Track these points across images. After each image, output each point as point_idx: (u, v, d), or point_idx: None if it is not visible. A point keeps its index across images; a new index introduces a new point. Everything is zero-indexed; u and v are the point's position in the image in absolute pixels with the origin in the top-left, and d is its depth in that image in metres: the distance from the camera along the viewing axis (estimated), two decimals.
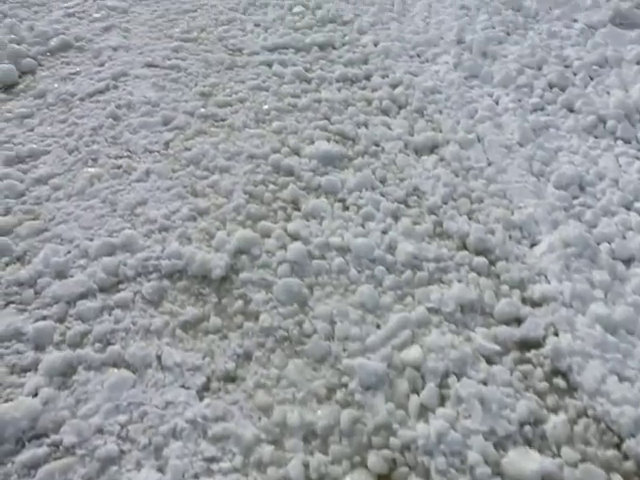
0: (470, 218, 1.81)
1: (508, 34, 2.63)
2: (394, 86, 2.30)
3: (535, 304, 1.60)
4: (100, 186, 1.96)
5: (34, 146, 2.16)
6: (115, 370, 1.48)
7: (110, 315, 1.59)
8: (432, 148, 2.05)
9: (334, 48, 2.54)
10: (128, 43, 2.69)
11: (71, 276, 1.69)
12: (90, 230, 1.82)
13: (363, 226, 1.77)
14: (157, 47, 2.63)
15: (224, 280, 1.66)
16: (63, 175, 2.03)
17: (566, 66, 2.46)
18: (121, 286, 1.67)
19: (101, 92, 2.40)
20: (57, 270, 1.71)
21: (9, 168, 2.07)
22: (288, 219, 1.80)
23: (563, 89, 2.31)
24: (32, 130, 2.25)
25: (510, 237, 1.76)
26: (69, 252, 1.76)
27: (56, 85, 2.48)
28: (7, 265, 1.74)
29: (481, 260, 1.69)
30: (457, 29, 2.59)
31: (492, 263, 1.70)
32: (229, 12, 2.85)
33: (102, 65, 2.56)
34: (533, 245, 1.74)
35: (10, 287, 1.68)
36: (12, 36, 2.83)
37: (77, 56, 2.67)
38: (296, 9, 2.83)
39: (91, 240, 1.78)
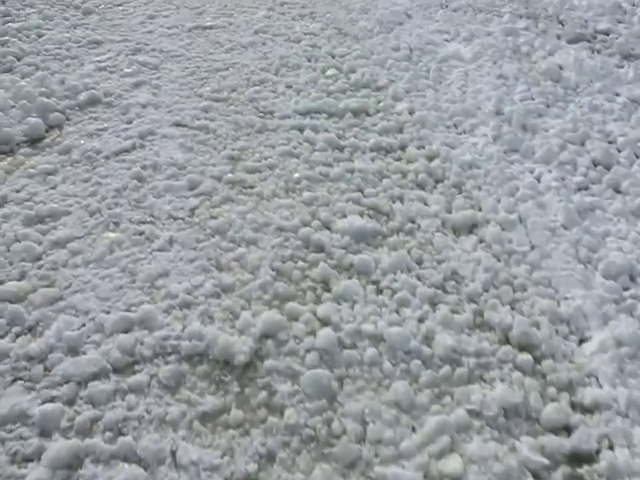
0: (513, 308, 1.70)
1: (548, 106, 2.58)
2: (430, 158, 2.23)
3: (586, 411, 1.48)
4: (120, 253, 1.89)
5: (55, 205, 2.11)
6: (125, 465, 1.38)
7: (123, 400, 1.49)
8: (471, 228, 1.96)
9: (368, 115, 2.49)
10: (157, 100, 2.67)
11: (84, 353, 1.61)
12: (107, 302, 1.74)
13: (398, 313, 1.67)
14: (186, 106, 2.60)
15: (248, 367, 1.56)
16: (83, 239, 1.96)
17: (610, 142, 2.39)
18: (137, 367, 1.57)
19: (127, 151, 2.36)
20: (70, 345, 1.62)
21: (28, 228, 2.02)
22: (318, 301, 1.71)
23: (608, 167, 2.23)
24: (54, 188, 2.21)
25: (557, 332, 1.64)
26: (83, 325, 1.68)
27: (82, 141, 2.45)
28: (17, 336, 1.66)
29: (526, 357, 1.57)
30: (495, 99, 2.54)
31: (537, 361, 1.58)
32: (261, 72, 2.83)
33: (130, 122, 2.54)
34: (582, 342, 1.63)
35: (19, 361, 1.60)
36: (42, 89, 2.84)
37: (105, 112, 2.65)
38: (329, 72, 2.80)
39: (108, 313, 1.70)
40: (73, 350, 1.61)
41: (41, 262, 1.89)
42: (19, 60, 3.23)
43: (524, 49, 3.07)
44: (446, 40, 3.16)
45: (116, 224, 2.01)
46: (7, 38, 3.50)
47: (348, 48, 3.04)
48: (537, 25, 3.39)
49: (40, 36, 3.53)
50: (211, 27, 3.43)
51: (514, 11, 3.55)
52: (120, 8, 3.91)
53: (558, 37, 3.26)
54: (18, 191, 2.21)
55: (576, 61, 2.91)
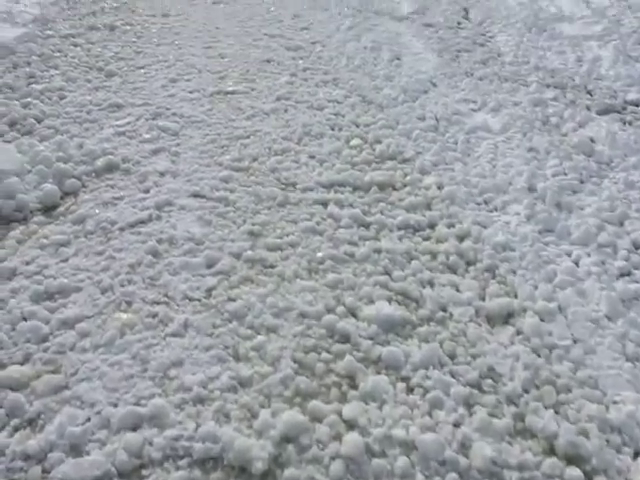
0: (557, 412, 1.57)
1: (582, 182, 2.49)
2: (461, 238, 2.14)
3: None
4: (132, 337, 1.79)
5: (65, 281, 2.03)
6: None
7: None
8: (507, 317, 1.84)
9: (394, 189, 2.41)
10: (176, 169, 2.62)
11: (87, 453, 1.49)
12: (115, 393, 1.63)
13: (430, 415, 1.54)
14: (206, 175, 2.55)
15: (266, 476, 1.42)
16: (92, 319, 1.87)
17: None
18: (144, 472, 1.45)
19: (143, 222, 2.30)
20: (72, 443, 1.51)
21: (36, 305, 1.94)
22: (343, 399, 1.58)
23: None
24: (66, 261, 2.14)
25: (608, 442, 1.50)
26: (88, 420, 1.56)
27: (97, 211, 2.39)
28: (16, 430, 1.55)
29: (575, 473, 1.43)
30: (527, 174, 2.46)
31: (588, 477, 1.43)
32: (283, 141, 2.79)
33: (147, 192, 2.48)
34: (638, 455, 1.48)
35: (15, 460, 1.48)
36: (60, 154, 2.81)
37: (122, 179, 2.60)
38: (353, 142, 2.75)
39: (115, 406, 1.59)
40: (75, 449, 1.49)
41: (47, 344, 1.80)
42: (39, 123, 3.23)
43: (553, 120, 3.01)
44: (473, 110, 3.12)
45: (129, 303, 1.92)
46: (29, 100, 3.53)
47: (372, 117, 3.00)
48: (565, 95, 3.35)
49: (62, 98, 3.55)
50: (233, 92, 3.42)
51: (541, 80, 3.52)
52: (142, 71, 3.95)
53: (587, 108, 3.20)
54: (28, 263, 2.14)
55: (608, 134, 2.84)
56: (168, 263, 2.07)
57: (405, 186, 2.43)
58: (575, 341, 1.76)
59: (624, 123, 3.07)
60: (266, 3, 5.78)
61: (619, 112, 3.20)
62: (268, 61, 3.95)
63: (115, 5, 6.08)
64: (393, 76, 3.53)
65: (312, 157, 2.64)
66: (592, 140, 2.84)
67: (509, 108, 3.12)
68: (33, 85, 3.75)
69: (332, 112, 3.07)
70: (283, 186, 2.45)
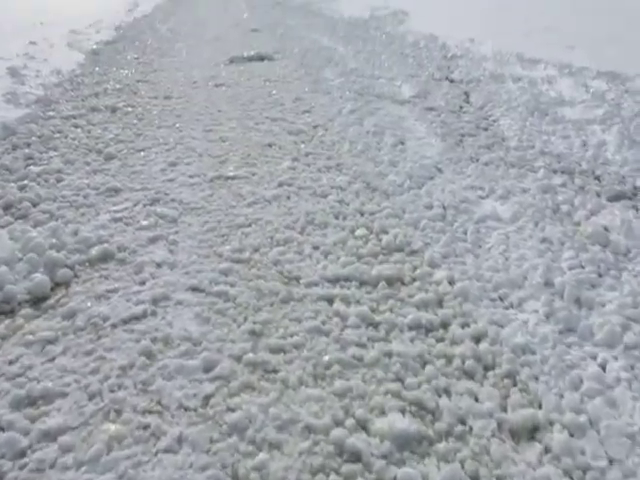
0: None
1: (600, 275, 2.39)
2: (477, 339, 2.02)
3: None
4: (119, 454, 1.64)
5: (50, 384, 1.90)
6: None
7: None
8: (532, 431, 1.69)
9: (403, 284, 2.31)
10: (173, 259, 2.53)
11: None
12: None
13: None
14: (205, 267, 2.45)
15: None
16: (77, 430, 1.73)
17: None
18: None
19: (137, 318, 2.18)
20: None
21: (16, 413, 1.80)
22: None
23: None
24: (52, 360, 2.02)
25: None
26: None
27: (89, 304, 2.29)
28: None
29: None
30: (542, 268, 2.37)
31: None
32: (285, 230, 2.72)
33: (143, 284, 2.38)
34: None
35: None
36: (53, 240, 2.73)
37: (117, 269, 2.51)
38: (359, 232, 2.67)
39: None
40: None
41: (25, 460, 1.64)
42: (35, 206, 3.17)
43: (564, 208, 2.95)
44: (481, 197, 3.07)
45: (118, 412, 1.78)
46: (26, 182, 3.49)
47: (378, 205, 2.94)
48: (573, 181, 3.32)
49: (59, 181, 3.51)
50: (234, 177, 3.39)
51: (547, 166, 3.51)
52: (142, 154, 3.95)
53: (597, 194, 3.16)
54: (12, 362, 2.01)
55: (623, 223, 2.77)
56: (162, 366, 1.94)
57: (414, 281, 2.33)
58: (611, 461, 1.61)
59: (637, 210, 3.01)
60: (267, 86, 5.91)
61: (630, 198, 3.15)
62: (270, 145, 3.96)
63: (118, 87, 6.21)
64: (397, 161, 3.51)
65: (316, 248, 2.56)
66: (606, 229, 2.77)
67: (518, 195, 3.08)
68: (31, 167, 3.73)
69: (336, 199, 3.02)
70: (286, 280, 2.35)
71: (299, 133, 4.21)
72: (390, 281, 2.31)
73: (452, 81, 5.85)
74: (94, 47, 9.28)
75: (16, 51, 8.25)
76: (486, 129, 4.25)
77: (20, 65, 7.20)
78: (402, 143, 3.87)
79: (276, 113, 4.82)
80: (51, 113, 5.12)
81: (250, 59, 7.45)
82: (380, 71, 6.32)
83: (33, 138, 4.36)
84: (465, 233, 2.67)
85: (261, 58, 7.48)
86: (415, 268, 2.40)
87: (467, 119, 4.47)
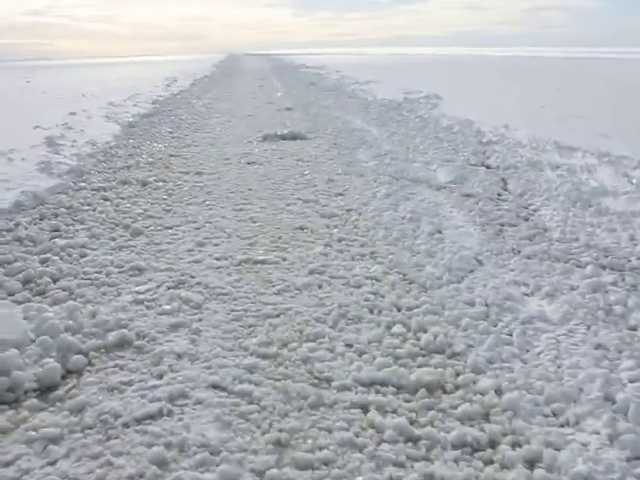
0: None
1: None
2: (531, 463, 1.79)
3: None
4: None
5: None
6: None
7: None
8: None
9: (445, 392, 2.11)
10: (195, 351, 2.38)
11: None
12: None
13: None
14: (228, 362, 2.29)
15: None
16: None
17: None
18: None
19: (152, 417, 2.02)
20: None
21: None
22: None
23: None
24: (54, 464, 1.85)
25: None
26: None
27: (100, 397, 2.14)
28: None
29: None
30: (600, 380, 2.15)
31: None
32: (316, 324, 2.56)
33: (160, 377, 2.23)
34: None
35: None
36: (70, 322, 2.62)
37: (134, 359, 2.37)
38: (395, 329, 2.50)
39: None
40: None
41: None
42: (54, 282, 3.08)
43: (617, 309, 2.75)
44: (526, 294, 2.89)
45: None
46: (49, 255, 3.42)
47: (415, 299, 2.78)
48: (624, 279, 3.13)
49: (82, 256, 3.44)
50: (263, 262, 3.27)
51: (594, 260, 3.33)
52: (170, 232, 3.88)
53: None
54: (8, 464, 1.84)
55: None
56: (175, 478, 1.74)
57: (457, 389, 2.12)
58: None
59: None
60: (300, 166, 5.90)
61: None
62: (301, 228, 3.87)
63: (150, 160, 6.28)
64: (435, 252, 3.36)
65: (349, 346, 2.38)
66: None
67: (566, 294, 2.89)
68: (56, 239, 3.68)
69: (370, 291, 2.86)
70: (316, 381, 2.17)
71: (332, 217, 4.12)
72: (430, 388, 2.11)
73: (488, 167, 5.78)
74: (130, 119, 9.55)
75: (56, 121, 8.51)
76: (527, 219, 4.11)
77: (57, 135, 7.40)
78: (439, 232, 3.74)
79: (308, 194, 4.76)
80: (82, 184, 5.15)
81: (283, 137, 7.53)
82: (414, 154, 6.30)
83: (61, 209, 4.35)
84: (511, 335, 2.48)
85: (294, 137, 7.57)
86: (458, 374, 2.20)
87: (506, 207, 4.35)
